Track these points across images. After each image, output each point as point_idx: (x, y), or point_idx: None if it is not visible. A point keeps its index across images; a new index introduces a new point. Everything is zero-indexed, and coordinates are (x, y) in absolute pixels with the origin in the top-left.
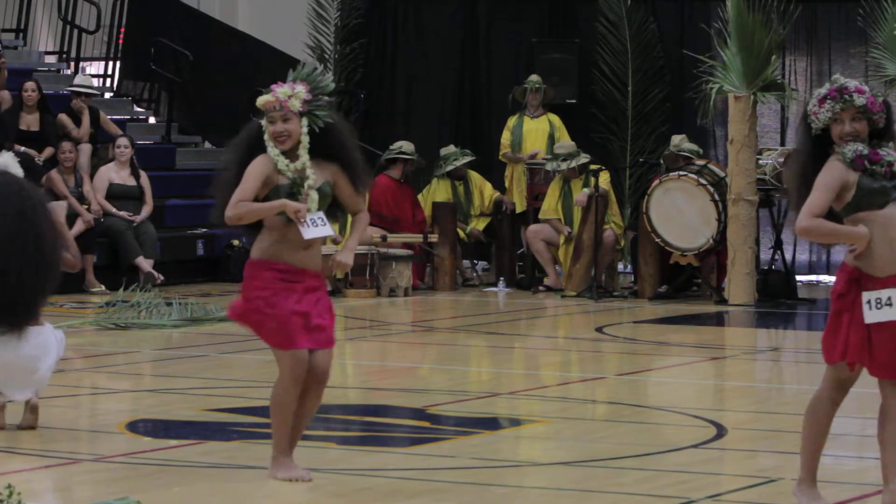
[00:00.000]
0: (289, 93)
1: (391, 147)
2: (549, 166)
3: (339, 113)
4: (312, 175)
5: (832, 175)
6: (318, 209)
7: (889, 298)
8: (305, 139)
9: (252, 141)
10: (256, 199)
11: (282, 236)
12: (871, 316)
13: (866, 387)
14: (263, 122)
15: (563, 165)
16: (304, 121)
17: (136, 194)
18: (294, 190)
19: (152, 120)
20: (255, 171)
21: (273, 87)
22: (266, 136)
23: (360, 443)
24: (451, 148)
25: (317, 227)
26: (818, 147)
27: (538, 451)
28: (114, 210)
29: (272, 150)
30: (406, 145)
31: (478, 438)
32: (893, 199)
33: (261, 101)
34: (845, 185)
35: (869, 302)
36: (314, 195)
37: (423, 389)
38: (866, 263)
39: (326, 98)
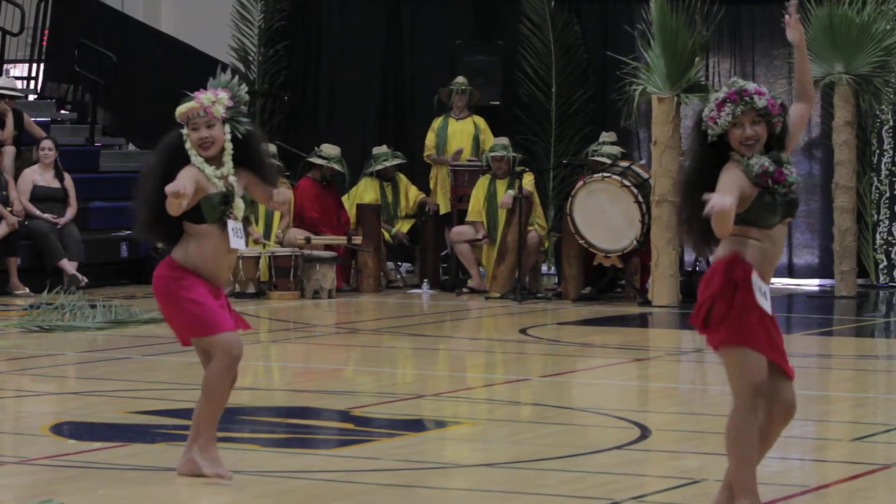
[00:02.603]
0: (212, 99)
1: (316, 149)
2: (483, 157)
3: (263, 115)
4: (235, 182)
5: (736, 180)
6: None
7: (766, 292)
8: (229, 146)
9: (173, 152)
10: (187, 209)
11: (206, 247)
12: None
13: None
14: (184, 131)
15: (490, 154)
16: (227, 127)
17: (61, 197)
18: (227, 198)
19: (76, 122)
20: (187, 175)
21: (196, 94)
22: (188, 145)
23: (285, 445)
24: (384, 148)
25: (239, 237)
26: (714, 155)
27: (463, 453)
28: (38, 212)
29: (196, 159)
30: (327, 149)
31: (402, 440)
32: (781, 221)
33: (183, 108)
34: (742, 195)
35: (758, 288)
36: (240, 203)
37: (347, 391)
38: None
39: (244, 107)
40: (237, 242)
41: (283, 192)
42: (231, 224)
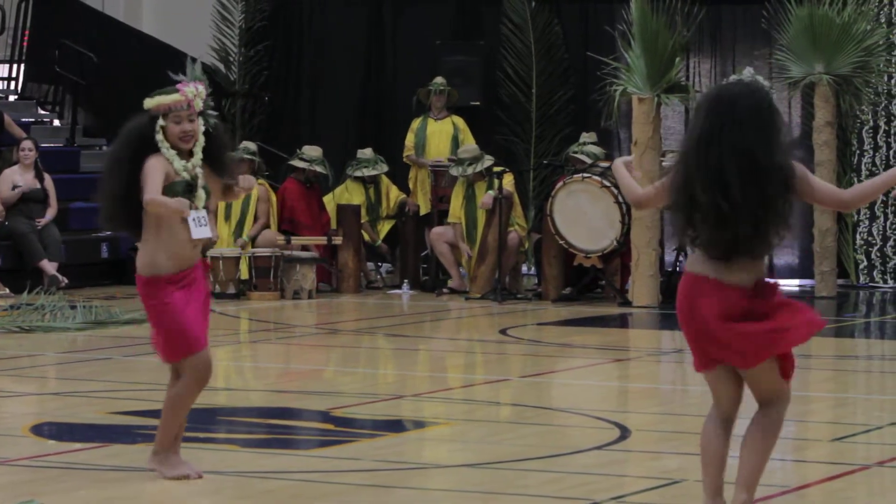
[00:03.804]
0: (195, 92)
1: (298, 151)
2: (454, 171)
3: (244, 115)
4: (200, 173)
5: None
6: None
7: None
8: (202, 138)
9: (141, 141)
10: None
11: (169, 242)
12: None
13: None
14: (160, 121)
15: (469, 170)
16: (200, 120)
17: (41, 197)
18: (191, 188)
19: (56, 122)
20: (157, 166)
21: (179, 86)
22: (160, 137)
23: (265, 445)
24: (368, 152)
25: (202, 226)
26: None
27: (443, 453)
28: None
29: (168, 152)
30: (309, 151)
31: (382, 441)
32: None
33: (167, 100)
34: None
35: None
36: (202, 193)
37: (327, 392)
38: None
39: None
40: (199, 232)
41: (248, 178)
42: (192, 214)
